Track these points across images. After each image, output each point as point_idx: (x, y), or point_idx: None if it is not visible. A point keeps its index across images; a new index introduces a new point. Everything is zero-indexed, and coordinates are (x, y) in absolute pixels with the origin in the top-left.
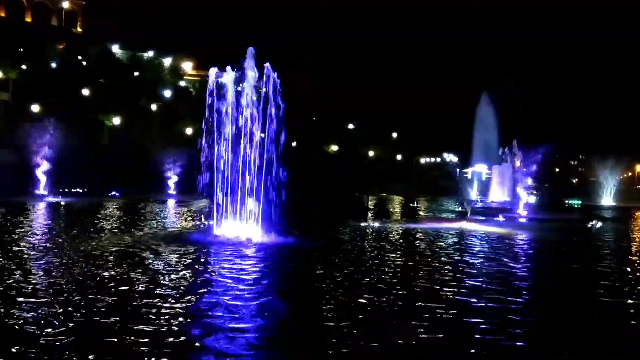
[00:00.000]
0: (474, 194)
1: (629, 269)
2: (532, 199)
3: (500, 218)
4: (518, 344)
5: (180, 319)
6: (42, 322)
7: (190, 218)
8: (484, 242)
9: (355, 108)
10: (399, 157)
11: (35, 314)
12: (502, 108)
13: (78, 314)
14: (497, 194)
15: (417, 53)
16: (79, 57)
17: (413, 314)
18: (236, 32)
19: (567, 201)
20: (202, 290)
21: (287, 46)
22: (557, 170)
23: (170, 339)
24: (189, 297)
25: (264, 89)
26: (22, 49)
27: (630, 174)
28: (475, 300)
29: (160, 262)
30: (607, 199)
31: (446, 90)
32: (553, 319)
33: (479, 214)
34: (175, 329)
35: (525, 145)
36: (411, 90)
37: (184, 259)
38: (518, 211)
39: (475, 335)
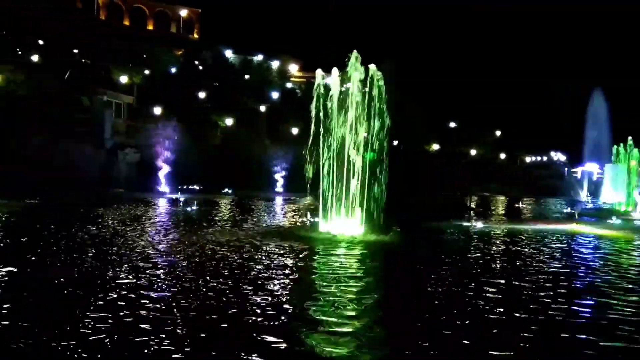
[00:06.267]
0: (584, 194)
1: None
2: None
3: (614, 220)
4: None
5: (283, 312)
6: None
7: (296, 215)
8: (595, 247)
9: (457, 104)
10: (502, 155)
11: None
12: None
13: (190, 296)
14: (610, 195)
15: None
16: (196, 62)
17: (517, 327)
18: (343, 32)
19: None
20: (306, 284)
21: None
22: None
23: (275, 331)
24: (290, 290)
25: (367, 89)
26: (145, 56)
27: None
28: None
29: (267, 255)
30: None
31: (556, 84)
32: None
33: (590, 215)
34: (279, 322)
35: None
36: (518, 83)
37: (289, 254)
38: (633, 213)
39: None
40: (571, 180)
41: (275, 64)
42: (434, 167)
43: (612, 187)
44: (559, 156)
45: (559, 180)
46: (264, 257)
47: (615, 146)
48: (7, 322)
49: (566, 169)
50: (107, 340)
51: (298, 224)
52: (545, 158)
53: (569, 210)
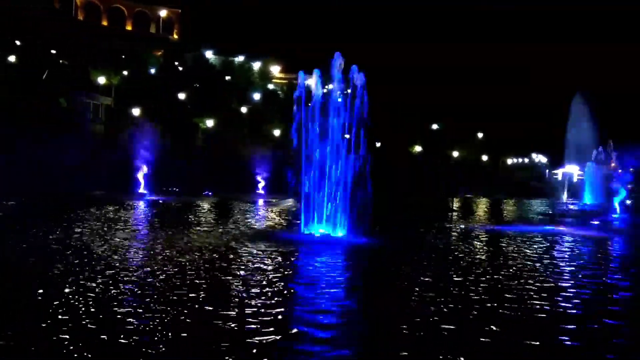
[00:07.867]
0: (564, 196)
1: None
2: (629, 202)
3: (594, 222)
4: None
5: (266, 316)
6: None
7: (278, 217)
8: (576, 248)
9: (439, 106)
10: (484, 157)
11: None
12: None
13: (165, 305)
14: (590, 197)
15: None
16: (176, 63)
17: (498, 324)
18: (327, 34)
19: None
20: (287, 288)
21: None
22: None
23: (257, 334)
24: (273, 292)
25: (349, 91)
26: (123, 56)
27: None
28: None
29: (247, 258)
30: None
31: (537, 86)
32: None
33: (571, 217)
34: (260, 325)
35: (622, 144)
36: (502, 83)
37: (271, 256)
38: (614, 215)
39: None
40: (552, 182)
41: (256, 65)
42: (417, 169)
43: (593, 189)
44: (540, 158)
45: (540, 183)
46: (243, 260)
47: (595, 148)
48: None
49: (547, 170)
50: (92, 345)
51: (279, 226)
52: (527, 160)
53: (550, 212)
